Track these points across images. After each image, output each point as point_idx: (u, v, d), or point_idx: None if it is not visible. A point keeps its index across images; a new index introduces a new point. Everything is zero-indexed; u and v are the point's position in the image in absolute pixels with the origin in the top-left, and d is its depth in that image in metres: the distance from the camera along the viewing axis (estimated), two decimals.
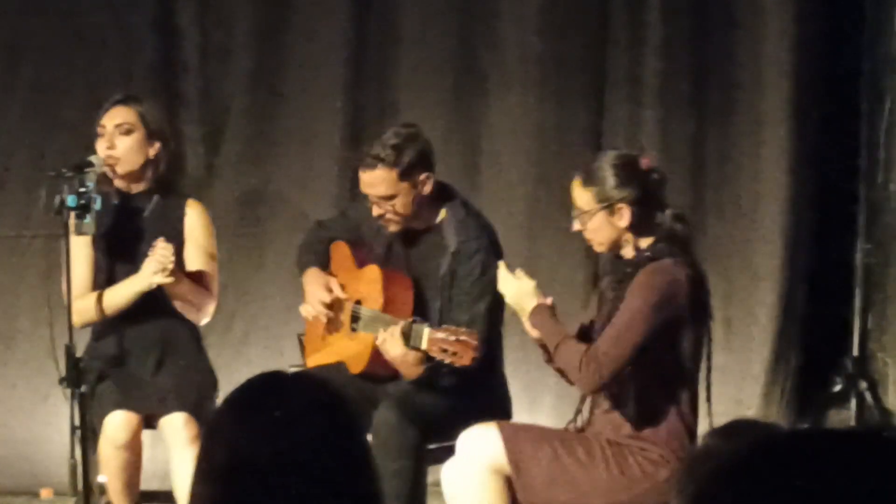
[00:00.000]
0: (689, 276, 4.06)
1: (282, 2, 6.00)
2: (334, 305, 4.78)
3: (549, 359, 4.19)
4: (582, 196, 4.12)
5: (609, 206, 4.07)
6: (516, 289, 4.18)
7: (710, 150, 6.04)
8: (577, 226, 4.16)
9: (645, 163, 4.16)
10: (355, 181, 4.77)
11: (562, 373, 4.18)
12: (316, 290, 4.75)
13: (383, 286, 4.61)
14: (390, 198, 4.56)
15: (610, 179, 4.08)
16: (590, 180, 4.11)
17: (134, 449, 4.61)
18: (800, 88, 5.93)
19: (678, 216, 4.16)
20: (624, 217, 4.08)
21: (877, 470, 1.28)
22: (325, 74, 6.00)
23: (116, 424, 4.57)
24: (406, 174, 4.55)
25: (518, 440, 4.13)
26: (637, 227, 4.09)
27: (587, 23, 6.02)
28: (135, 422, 4.60)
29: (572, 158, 5.89)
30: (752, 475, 1.29)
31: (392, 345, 4.37)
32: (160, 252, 4.59)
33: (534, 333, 4.16)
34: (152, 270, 4.62)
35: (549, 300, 4.16)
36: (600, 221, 4.10)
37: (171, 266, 4.59)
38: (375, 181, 4.56)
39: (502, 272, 4.22)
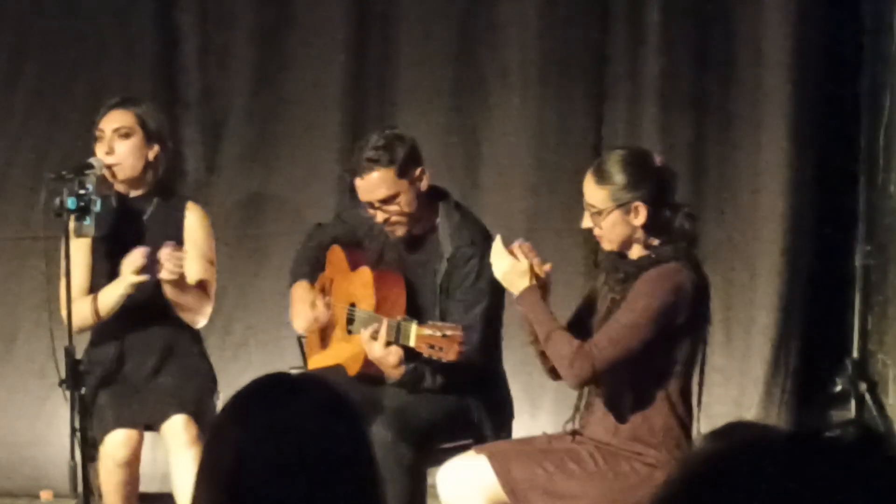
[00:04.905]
0: (694, 281, 4.02)
1: (282, 4, 6.00)
2: (329, 311, 4.80)
3: (534, 340, 4.15)
4: (596, 194, 4.05)
5: (625, 205, 4.02)
6: (509, 266, 4.10)
7: (709, 152, 6.04)
8: (587, 223, 4.10)
9: (659, 160, 4.11)
10: (352, 192, 4.78)
11: (543, 356, 4.16)
12: (301, 308, 4.78)
13: (375, 287, 4.62)
14: (393, 198, 4.56)
15: (626, 177, 4.00)
16: (604, 178, 4.03)
17: (133, 465, 4.63)
18: (799, 90, 5.92)
19: (690, 215, 4.12)
20: (640, 215, 4.02)
21: (870, 479, 1.28)
22: (326, 76, 6.00)
23: (117, 443, 4.58)
24: (403, 171, 4.56)
25: (509, 468, 4.09)
26: (650, 226, 4.05)
27: (587, 24, 6.02)
28: (135, 438, 4.61)
29: (572, 159, 5.90)
30: (743, 477, 1.29)
31: (371, 344, 4.38)
32: (175, 257, 4.60)
33: (522, 310, 4.13)
34: (130, 270, 4.63)
35: (547, 266, 4.11)
36: (615, 220, 4.03)
37: (181, 271, 4.61)
38: (374, 185, 4.56)
39: (497, 246, 4.16)
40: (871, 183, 5.95)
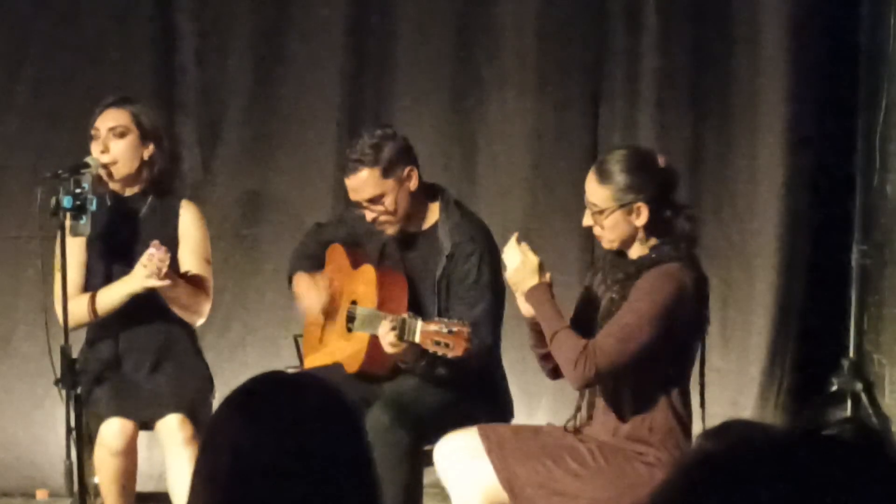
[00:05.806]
0: (694, 280, 4.02)
1: (279, 4, 6.00)
2: (331, 306, 4.79)
3: (535, 344, 4.15)
4: (598, 193, 4.03)
5: (627, 205, 4.00)
6: (520, 263, 4.08)
7: (706, 153, 6.04)
8: (588, 221, 4.08)
9: (662, 160, 4.09)
10: (345, 192, 4.78)
11: (544, 359, 4.15)
12: (312, 294, 4.76)
13: (378, 285, 4.61)
14: (379, 198, 4.58)
15: (628, 177, 3.98)
16: (607, 178, 4.01)
17: (129, 455, 4.61)
18: (796, 90, 5.93)
19: (691, 216, 4.11)
20: (642, 215, 4.00)
21: (867, 477, 1.28)
22: (323, 76, 6.00)
23: (112, 432, 4.57)
24: (389, 170, 4.57)
25: (509, 464, 4.09)
26: (651, 226, 4.03)
27: (584, 25, 6.02)
28: (130, 429, 4.60)
29: (569, 159, 5.91)
30: (740, 476, 1.29)
31: (388, 341, 4.36)
32: (157, 257, 4.57)
33: (527, 312, 4.11)
34: (145, 274, 4.61)
35: (547, 276, 4.10)
36: (617, 219, 4.01)
37: (164, 270, 4.58)
38: (360, 184, 4.58)
39: (511, 243, 4.13)
40: (867, 183, 5.95)
